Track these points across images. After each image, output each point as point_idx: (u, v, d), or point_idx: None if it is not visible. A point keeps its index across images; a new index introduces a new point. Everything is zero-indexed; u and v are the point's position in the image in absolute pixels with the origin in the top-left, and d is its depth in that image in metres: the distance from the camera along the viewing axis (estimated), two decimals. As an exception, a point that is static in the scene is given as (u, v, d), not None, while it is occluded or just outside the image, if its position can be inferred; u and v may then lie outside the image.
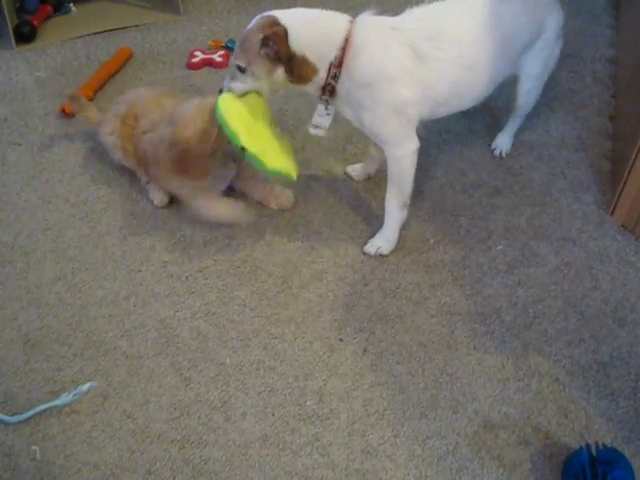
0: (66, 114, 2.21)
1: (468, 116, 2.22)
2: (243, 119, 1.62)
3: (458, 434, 1.44)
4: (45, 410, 1.49)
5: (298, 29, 1.53)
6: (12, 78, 2.43)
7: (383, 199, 1.78)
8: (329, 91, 1.60)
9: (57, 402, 1.50)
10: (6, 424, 1.47)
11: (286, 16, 1.55)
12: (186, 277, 1.74)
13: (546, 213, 1.92)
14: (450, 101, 1.69)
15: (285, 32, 1.52)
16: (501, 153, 2.10)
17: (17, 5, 2.79)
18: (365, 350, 1.59)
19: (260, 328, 1.63)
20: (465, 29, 1.64)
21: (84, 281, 1.74)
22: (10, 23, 2.55)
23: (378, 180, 1.98)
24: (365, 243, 1.81)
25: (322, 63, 1.56)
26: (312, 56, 1.55)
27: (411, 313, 1.66)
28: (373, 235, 1.81)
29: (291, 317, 1.65)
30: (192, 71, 2.44)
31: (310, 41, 1.55)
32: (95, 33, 2.66)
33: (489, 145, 2.12)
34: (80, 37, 2.64)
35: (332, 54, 1.54)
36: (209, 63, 2.44)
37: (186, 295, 1.70)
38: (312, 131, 1.73)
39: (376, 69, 1.56)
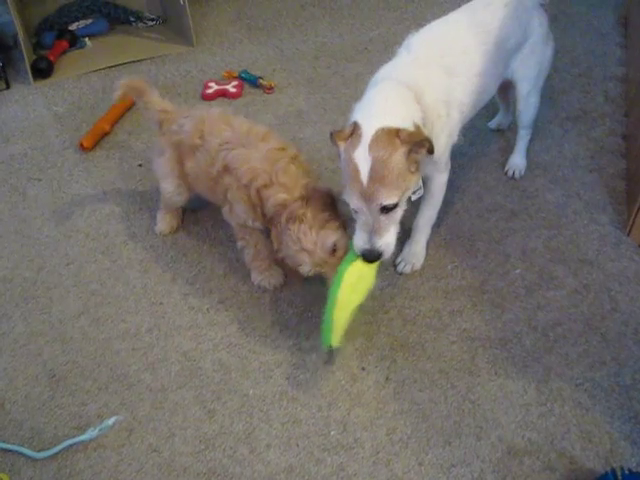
0: (84, 148, 2.24)
1: (482, 140, 2.24)
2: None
3: (482, 461, 1.44)
4: (72, 445, 1.51)
5: (399, 117, 1.45)
6: (30, 113, 2.47)
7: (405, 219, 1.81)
8: None
9: (83, 437, 1.51)
10: (33, 460, 1.49)
11: (380, 121, 1.43)
12: (207, 309, 1.75)
13: (562, 235, 1.92)
14: (474, 107, 1.76)
15: (409, 129, 1.43)
16: (514, 174, 2.11)
17: (34, 41, 2.85)
18: (387, 378, 1.60)
19: (282, 359, 1.64)
20: (467, 40, 1.71)
21: (107, 315, 1.76)
22: (27, 59, 2.60)
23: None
24: (393, 266, 1.84)
25: (421, 121, 1.51)
26: (418, 121, 1.50)
27: (432, 340, 1.67)
28: (391, 263, 1.83)
29: (312, 347, 1.66)
30: (207, 102, 2.46)
31: (408, 112, 1.49)
32: (110, 66, 2.70)
33: (503, 168, 2.13)
34: (96, 71, 2.68)
35: (419, 108, 1.52)
36: (223, 94, 2.47)
37: (208, 327, 1.71)
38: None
39: (439, 100, 1.59)
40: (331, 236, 1.56)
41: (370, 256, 1.45)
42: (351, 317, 1.56)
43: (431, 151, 1.44)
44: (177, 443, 1.51)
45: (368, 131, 1.41)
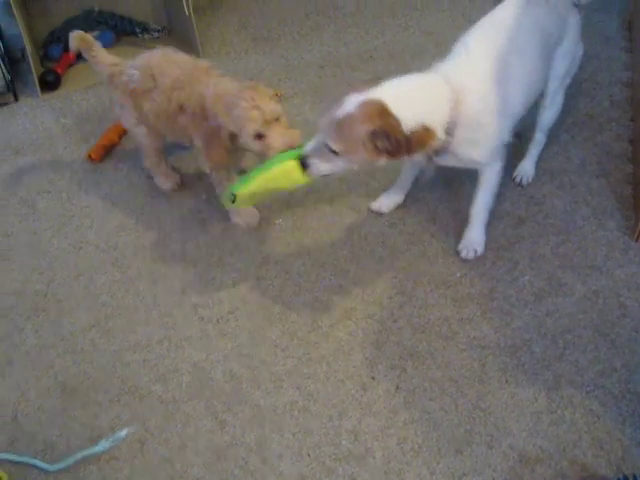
0: (92, 160, 2.25)
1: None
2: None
3: (494, 470, 1.45)
4: (84, 457, 1.52)
5: (410, 107, 1.51)
6: (39, 126, 2.48)
7: (408, 233, 1.85)
8: (441, 148, 1.60)
9: (96, 449, 1.53)
10: (46, 472, 1.50)
11: (389, 97, 1.50)
12: (217, 319, 1.76)
13: (571, 241, 1.93)
14: (522, 110, 1.77)
15: (398, 123, 1.48)
16: (521, 180, 2.11)
17: (41, 53, 2.86)
18: (397, 387, 1.60)
19: (292, 368, 1.65)
20: (520, 39, 1.71)
21: (117, 327, 1.77)
22: (35, 72, 2.61)
23: (402, 215, 2.01)
24: (458, 251, 1.90)
25: (440, 124, 1.54)
26: (432, 123, 1.53)
27: (441, 348, 1.67)
28: (400, 270, 1.84)
29: (322, 356, 1.67)
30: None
31: (427, 109, 1.53)
32: (117, 78, 2.70)
33: (510, 175, 2.13)
34: (103, 82, 2.68)
35: (447, 113, 1.55)
36: (230, 104, 2.47)
37: (218, 338, 1.72)
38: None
39: (485, 110, 1.61)
40: (277, 106, 1.72)
41: (302, 161, 1.59)
42: (257, 196, 1.75)
43: (391, 154, 1.51)
44: (189, 454, 1.51)
45: (373, 93, 1.53)
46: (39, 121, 2.51)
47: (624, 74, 2.61)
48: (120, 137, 2.34)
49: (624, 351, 1.66)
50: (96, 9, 2.93)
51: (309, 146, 1.60)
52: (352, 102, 1.51)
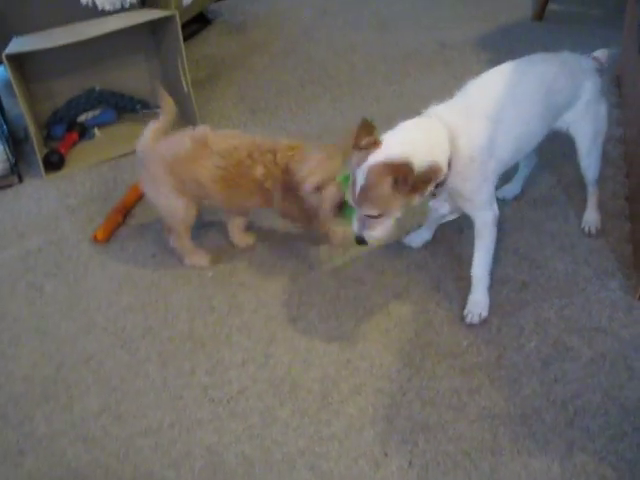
0: (98, 241, 2.29)
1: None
2: None
3: None
4: None
5: (420, 149, 1.64)
6: (44, 207, 2.52)
7: (413, 302, 1.89)
8: (442, 182, 1.73)
9: (111, 540, 1.52)
10: None
11: (393, 148, 1.63)
12: (227, 400, 1.77)
13: (574, 304, 1.94)
14: (516, 155, 1.90)
15: (410, 166, 1.59)
16: (590, 230, 2.17)
17: (44, 134, 2.92)
18: (410, 463, 1.60)
19: (304, 448, 1.65)
20: (518, 90, 1.82)
21: (128, 411, 1.77)
22: (39, 152, 2.67)
23: (406, 284, 2.03)
24: (464, 316, 1.93)
25: (444, 161, 1.68)
26: (437, 158, 1.67)
27: (452, 420, 1.67)
28: (407, 342, 1.85)
29: (334, 434, 1.67)
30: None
31: (432, 149, 1.66)
32: (120, 156, 2.76)
33: (509, 239, 2.16)
34: (106, 161, 2.74)
35: (448, 149, 1.69)
36: (232, 178, 2.52)
37: (229, 419, 1.72)
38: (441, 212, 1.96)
39: (474, 145, 1.73)
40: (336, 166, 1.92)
41: (359, 240, 1.74)
42: None
43: (416, 191, 1.64)
44: (205, 542, 1.51)
45: (377, 153, 1.63)
46: (44, 202, 2.55)
47: (616, 130, 2.66)
48: (125, 217, 2.38)
49: (634, 414, 1.66)
50: (97, 88, 3.01)
51: (355, 226, 1.72)
52: (364, 170, 1.62)
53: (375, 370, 1.80)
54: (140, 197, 2.48)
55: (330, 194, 1.92)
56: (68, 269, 2.22)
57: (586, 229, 2.18)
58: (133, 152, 2.71)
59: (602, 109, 2.04)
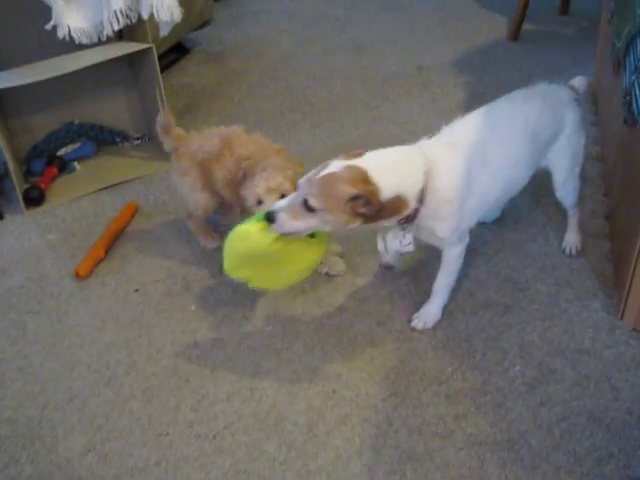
0: (80, 276, 2.28)
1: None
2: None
3: None
4: None
5: (389, 176, 1.62)
6: (25, 243, 2.51)
7: (397, 330, 1.90)
8: (413, 216, 1.70)
9: None
10: None
11: (372, 166, 1.61)
12: (213, 435, 1.76)
13: (557, 326, 1.95)
14: (502, 198, 1.92)
15: (377, 190, 1.59)
16: (570, 250, 2.19)
17: (24, 169, 2.92)
18: (398, 494, 1.60)
19: (292, 482, 1.64)
20: (505, 132, 1.83)
21: (114, 450, 1.76)
22: (19, 188, 2.66)
23: (389, 312, 2.03)
24: (410, 319, 1.98)
25: (413, 194, 1.66)
26: (406, 193, 1.65)
27: (439, 449, 1.67)
28: (392, 370, 1.85)
29: (321, 467, 1.66)
30: (197, 219, 2.52)
31: (402, 181, 1.64)
32: (100, 189, 2.76)
33: (491, 261, 2.17)
34: (86, 195, 2.74)
35: (420, 183, 1.66)
36: (212, 209, 2.52)
37: (215, 455, 1.71)
38: (404, 249, 1.83)
39: (456, 186, 1.71)
40: (286, 182, 1.90)
41: (270, 214, 1.62)
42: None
43: (367, 217, 1.61)
44: None
45: (358, 160, 1.63)
46: (25, 238, 2.54)
47: (594, 149, 2.70)
48: (106, 251, 2.37)
49: (619, 436, 1.67)
50: (76, 122, 3.02)
51: (281, 202, 1.64)
52: (337, 165, 1.61)
53: (361, 400, 1.80)
54: (121, 230, 2.47)
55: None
56: (50, 306, 2.20)
57: (567, 250, 2.19)
58: (113, 185, 2.75)
59: (581, 140, 2.05)
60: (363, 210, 1.58)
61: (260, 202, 1.88)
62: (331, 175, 1.59)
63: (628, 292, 1.91)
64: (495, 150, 1.79)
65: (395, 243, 1.82)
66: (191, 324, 2.07)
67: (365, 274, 2.18)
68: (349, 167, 1.60)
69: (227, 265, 1.73)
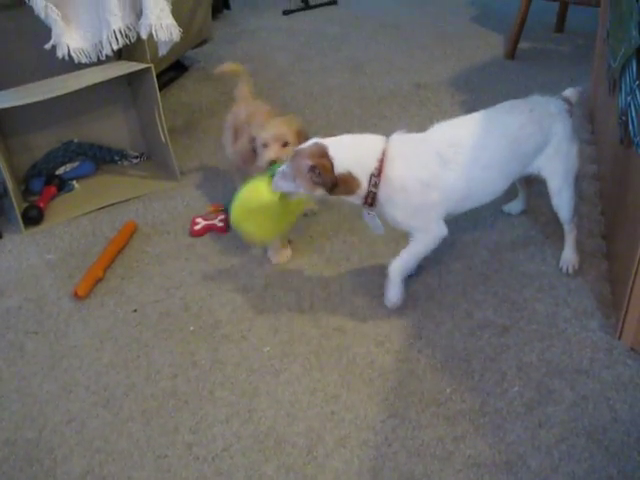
0: (79, 297, 2.28)
1: (466, 255, 2.29)
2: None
3: None
4: None
5: (343, 154, 1.86)
6: (23, 263, 2.51)
7: (395, 351, 1.90)
8: (371, 198, 1.90)
9: None
10: None
11: (333, 144, 1.87)
12: (212, 458, 1.75)
13: (555, 346, 1.96)
14: (471, 196, 1.98)
15: (331, 164, 1.84)
16: (568, 269, 2.20)
17: (23, 188, 2.92)
18: (397, 517, 1.59)
19: (291, 505, 1.64)
20: (479, 136, 1.93)
21: (112, 473, 1.75)
22: (17, 207, 2.66)
23: (388, 332, 2.04)
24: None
25: (364, 176, 1.87)
26: (356, 171, 1.87)
27: (438, 471, 1.67)
28: (390, 391, 1.86)
29: (320, 490, 1.66)
30: (196, 238, 2.52)
31: (354, 160, 1.87)
32: (99, 208, 2.76)
33: (488, 281, 2.18)
34: (85, 214, 2.74)
35: (372, 167, 1.86)
36: (211, 228, 2.53)
37: (214, 477, 1.71)
38: (376, 231, 2.06)
39: (411, 176, 1.88)
40: (290, 134, 2.19)
41: (272, 176, 1.95)
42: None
43: (323, 186, 1.87)
44: None
45: (322, 140, 1.91)
46: (24, 258, 2.54)
47: (590, 167, 2.71)
48: (104, 271, 2.38)
49: (618, 457, 1.66)
50: (75, 140, 3.02)
51: (281, 168, 1.92)
52: (310, 142, 1.90)
53: (360, 421, 1.80)
54: (120, 250, 2.48)
55: (270, 151, 2.16)
56: (49, 327, 2.20)
57: (564, 269, 2.20)
58: (112, 204, 2.75)
59: (573, 149, 2.08)
60: (318, 180, 1.84)
61: (266, 145, 2.16)
62: (301, 149, 1.89)
63: (626, 312, 1.92)
64: (466, 151, 1.90)
65: (369, 224, 2.05)
66: (190, 345, 2.07)
67: (364, 294, 2.18)
68: (314, 144, 1.88)
69: (235, 218, 2.02)
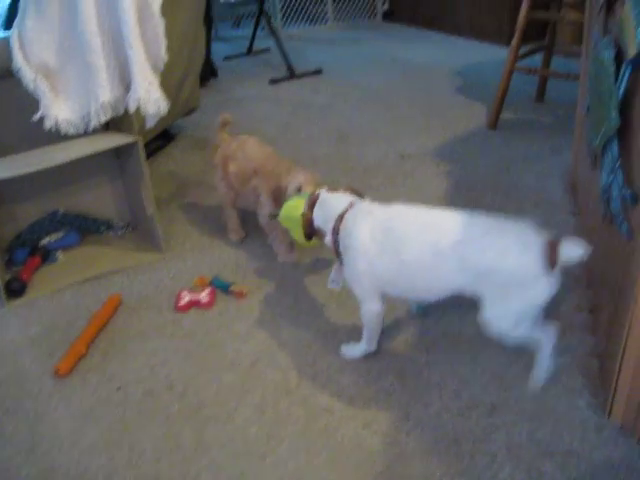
0: (60, 374, 2.23)
1: (452, 332, 2.28)
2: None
3: None
4: None
5: (317, 214, 2.11)
6: (4, 337, 2.47)
7: (383, 433, 1.83)
8: (335, 251, 2.09)
9: None
10: None
11: (319, 202, 2.13)
12: None
13: (545, 426, 1.93)
14: (397, 285, 2.00)
15: (311, 218, 2.12)
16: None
17: (6, 258, 2.90)
18: None
19: None
20: (411, 232, 1.91)
21: None
22: (1, 279, 2.63)
23: (375, 413, 2.00)
24: None
25: (326, 229, 2.09)
26: (321, 225, 2.11)
27: None
28: (379, 475, 1.82)
29: None
30: (181, 313, 2.50)
31: (320, 216, 2.11)
32: (83, 281, 2.74)
33: (478, 358, 2.16)
34: (69, 287, 2.71)
35: (331, 223, 2.06)
36: (196, 303, 2.51)
37: None
38: (329, 285, 2.26)
39: (350, 239, 2.00)
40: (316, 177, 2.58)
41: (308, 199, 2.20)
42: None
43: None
44: None
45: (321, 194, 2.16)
46: (4, 332, 2.50)
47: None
48: (87, 347, 2.34)
49: None
50: (60, 211, 3.02)
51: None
52: (316, 192, 2.17)
53: (349, 510, 1.75)
54: (103, 325, 2.45)
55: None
56: (29, 406, 2.15)
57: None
58: (96, 277, 2.73)
59: (524, 302, 1.84)
60: (306, 226, 2.12)
61: (300, 190, 2.46)
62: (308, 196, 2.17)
63: (615, 390, 1.90)
64: (393, 239, 1.92)
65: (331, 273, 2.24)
66: (174, 426, 2.02)
67: (351, 372, 2.16)
68: (314, 195, 2.14)
69: (281, 216, 2.31)
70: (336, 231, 2.04)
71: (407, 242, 1.90)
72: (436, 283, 1.94)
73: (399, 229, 1.93)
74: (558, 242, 1.77)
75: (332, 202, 2.10)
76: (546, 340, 1.98)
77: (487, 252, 1.79)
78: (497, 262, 1.78)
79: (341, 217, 2.04)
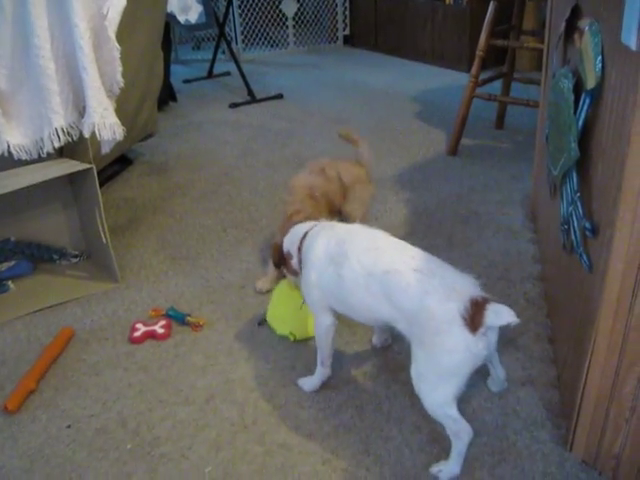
0: (8, 411, 2.14)
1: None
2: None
3: None
4: None
5: (288, 236, 2.18)
6: (-50, 370, 2.37)
7: (342, 469, 1.79)
8: (301, 269, 2.11)
9: None
10: None
11: (290, 233, 2.19)
12: None
13: (506, 461, 1.90)
14: (342, 302, 1.98)
15: (280, 246, 2.18)
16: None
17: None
18: None
19: None
20: (358, 249, 1.91)
21: None
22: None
23: (334, 448, 1.96)
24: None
25: (292, 251, 2.13)
26: (289, 247, 2.14)
27: None
28: (338, 515, 1.77)
29: None
30: (136, 345, 2.43)
31: (288, 239, 2.17)
32: (35, 311, 2.65)
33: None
34: (20, 317, 2.63)
35: (296, 244, 2.11)
36: (151, 335, 2.44)
37: None
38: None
39: (308, 251, 2.05)
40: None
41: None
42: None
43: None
44: None
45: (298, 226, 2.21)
46: (-49, 365, 2.40)
47: (535, 268, 2.73)
48: (38, 382, 2.25)
49: None
50: (12, 239, 2.93)
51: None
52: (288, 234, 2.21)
53: None
54: (55, 358, 2.36)
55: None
56: (-26, 446, 2.06)
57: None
58: (49, 307, 2.65)
59: (441, 366, 1.75)
60: (276, 252, 2.21)
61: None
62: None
63: (576, 423, 1.88)
64: (340, 261, 1.92)
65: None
66: (127, 465, 1.95)
67: (309, 406, 2.11)
68: (294, 228, 2.20)
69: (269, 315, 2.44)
70: (300, 249, 2.09)
71: (348, 258, 1.90)
72: (367, 306, 1.90)
73: (347, 244, 1.94)
74: (486, 304, 1.66)
75: (301, 226, 2.17)
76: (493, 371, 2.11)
77: (410, 288, 1.73)
78: (416, 301, 1.71)
79: (305, 234, 2.09)
